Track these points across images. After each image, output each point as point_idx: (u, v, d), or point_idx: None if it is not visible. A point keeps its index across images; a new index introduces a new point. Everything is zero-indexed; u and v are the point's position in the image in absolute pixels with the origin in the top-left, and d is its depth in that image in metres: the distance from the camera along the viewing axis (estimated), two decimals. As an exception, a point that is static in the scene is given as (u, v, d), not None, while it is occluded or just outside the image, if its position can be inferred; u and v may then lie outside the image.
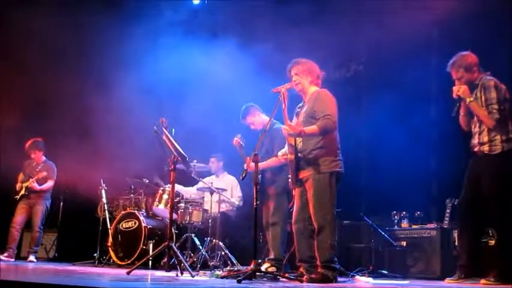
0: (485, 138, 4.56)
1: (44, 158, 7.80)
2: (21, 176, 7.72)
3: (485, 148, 4.56)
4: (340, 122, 4.53)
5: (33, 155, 7.73)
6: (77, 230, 8.18)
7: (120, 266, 6.57)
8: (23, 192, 7.54)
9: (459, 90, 4.57)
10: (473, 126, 4.71)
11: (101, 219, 7.32)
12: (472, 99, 4.55)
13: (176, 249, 5.12)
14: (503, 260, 4.48)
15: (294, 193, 4.66)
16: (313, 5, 7.32)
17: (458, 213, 4.93)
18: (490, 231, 5.30)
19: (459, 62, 4.65)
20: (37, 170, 7.59)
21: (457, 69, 4.64)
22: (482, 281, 4.47)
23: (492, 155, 4.53)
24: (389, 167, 6.75)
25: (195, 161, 6.90)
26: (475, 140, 4.66)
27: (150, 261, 6.42)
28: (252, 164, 4.91)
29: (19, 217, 7.51)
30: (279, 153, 5.09)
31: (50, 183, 7.65)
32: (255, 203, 4.48)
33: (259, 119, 5.76)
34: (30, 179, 7.47)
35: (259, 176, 5.46)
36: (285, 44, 6.84)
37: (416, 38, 7.08)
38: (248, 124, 5.82)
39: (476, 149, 4.65)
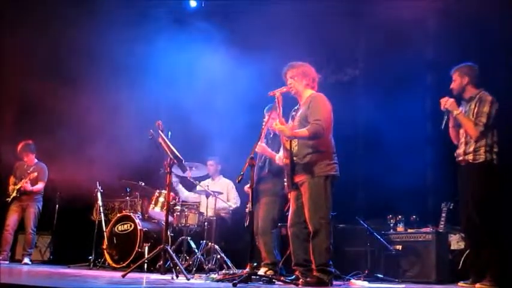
0: (471, 148, 4.72)
1: (35, 160, 7.78)
2: (12, 179, 7.70)
3: (470, 157, 4.72)
4: (336, 125, 4.55)
5: (26, 158, 7.72)
6: (72, 232, 8.15)
7: (115, 269, 6.55)
8: (14, 194, 7.52)
9: (446, 103, 4.76)
10: (461, 137, 4.86)
11: (97, 221, 7.30)
12: (458, 111, 4.74)
13: (172, 252, 5.11)
14: (494, 265, 4.56)
15: (289, 196, 4.66)
16: (311, 7, 7.35)
17: (460, 223, 5.08)
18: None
19: (460, 67, 4.88)
20: (28, 171, 7.56)
21: (455, 71, 4.88)
22: (477, 285, 4.53)
23: (476, 163, 4.69)
24: (386, 171, 6.75)
25: (193, 168, 6.89)
26: (461, 150, 4.82)
27: (146, 264, 6.40)
28: (263, 145, 5.11)
29: (11, 220, 7.48)
30: (276, 157, 5.10)
31: (40, 185, 7.62)
32: (251, 207, 4.49)
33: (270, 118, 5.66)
34: (22, 180, 7.44)
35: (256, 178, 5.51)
36: (283, 46, 6.85)
37: (416, 42, 7.13)
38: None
39: (460, 158, 4.81)
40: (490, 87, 5.00)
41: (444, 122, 4.83)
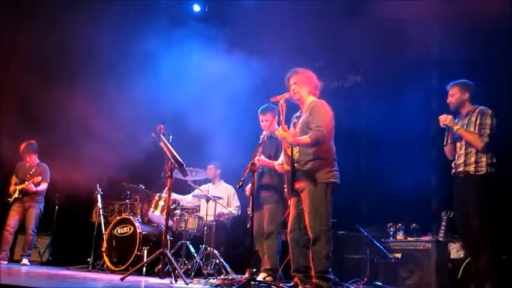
0: (472, 159, 4.79)
1: (37, 160, 7.78)
2: (14, 179, 7.70)
3: (471, 168, 4.79)
4: (337, 132, 4.55)
5: (28, 158, 7.71)
6: (72, 234, 8.15)
7: (113, 272, 6.54)
8: (16, 195, 7.51)
9: (445, 120, 4.87)
10: (458, 149, 4.92)
11: (96, 224, 7.30)
12: (458, 126, 4.85)
13: (171, 256, 5.10)
14: (493, 273, 4.61)
15: (289, 203, 4.66)
16: (313, 16, 7.36)
17: (459, 232, 5.16)
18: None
19: (457, 83, 5.02)
20: (30, 172, 7.56)
21: (453, 87, 5.02)
22: None
23: (477, 175, 4.76)
24: (386, 178, 6.74)
25: (194, 173, 6.90)
26: (460, 161, 4.88)
27: (144, 268, 6.38)
28: (262, 158, 5.10)
29: (12, 220, 7.47)
30: (275, 164, 5.10)
31: (44, 185, 7.61)
32: (251, 212, 4.48)
33: (273, 122, 5.67)
34: (26, 182, 7.43)
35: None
36: (284, 54, 6.86)
37: (418, 47, 7.13)
38: (262, 120, 5.69)
39: (460, 169, 4.86)
40: (493, 92, 5.03)
41: (446, 139, 4.93)
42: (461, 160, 4.85)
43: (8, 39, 8.04)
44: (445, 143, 4.95)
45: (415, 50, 7.10)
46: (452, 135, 4.93)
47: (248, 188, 5.69)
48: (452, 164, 4.98)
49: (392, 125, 6.87)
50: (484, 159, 4.74)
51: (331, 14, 7.44)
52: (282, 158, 4.83)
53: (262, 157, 5.38)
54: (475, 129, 4.80)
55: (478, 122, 4.80)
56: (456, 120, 4.96)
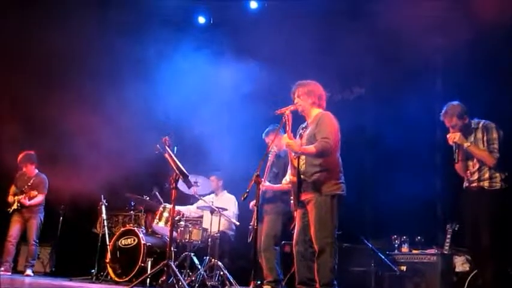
0: (486, 175, 4.75)
1: (36, 171, 7.74)
2: (13, 188, 7.68)
3: (485, 184, 4.74)
4: (343, 144, 4.55)
5: (25, 168, 7.67)
6: (75, 245, 8.13)
7: (117, 283, 6.51)
8: (15, 206, 7.50)
9: (455, 137, 4.79)
10: (471, 167, 4.87)
11: (100, 235, 7.28)
12: (469, 143, 4.78)
13: (175, 268, 5.09)
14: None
15: (295, 215, 4.65)
16: (317, 26, 7.39)
17: (466, 245, 5.12)
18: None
19: (451, 111, 4.88)
20: (29, 184, 7.55)
21: (450, 117, 4.87)
22: None
23: (491, 190, 4.72)
24: (391, 191, 6.73)
25: (199, 183, 6.89)
26: (474, 177, 4.83)
27: (148, 279, 6.36)
28: (267, 184, 4.99)
29: (14, 230, 7.45)
30: (283, 181, 5.12)
31: (40, 198, 7.56)
32: (256, 225, 4.47)
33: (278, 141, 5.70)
34: (21, 196, 7.42)
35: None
36: (290, 66, 6.89)
37: (421, 63, 7.15)
38: (267, 142, 5.75)
39: (474, 185, 4.81)
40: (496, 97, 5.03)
41: (457, 156, 4.84)
42: (475, 177, 4.81)
43: (10, 48, 8.06)
44: (456, 161, 4.85)
45: (418, 59, 7.13)
46: (464, 152, 4.84)
47: (253, 202, 5.70)
48: (465, 179, 4.92)
49: (397, 138, 6.87)
50: (498, 174, 4.71)
51: (335, 25, 7.47)
52: (287, 176, 4.84)
53: (267, 183, 5.42)
54: (483, 146, 4.75)
55: (484, 138, 4.76)
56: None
